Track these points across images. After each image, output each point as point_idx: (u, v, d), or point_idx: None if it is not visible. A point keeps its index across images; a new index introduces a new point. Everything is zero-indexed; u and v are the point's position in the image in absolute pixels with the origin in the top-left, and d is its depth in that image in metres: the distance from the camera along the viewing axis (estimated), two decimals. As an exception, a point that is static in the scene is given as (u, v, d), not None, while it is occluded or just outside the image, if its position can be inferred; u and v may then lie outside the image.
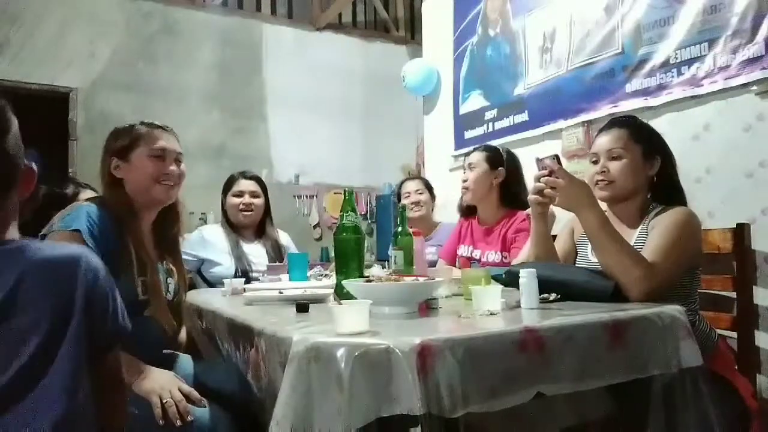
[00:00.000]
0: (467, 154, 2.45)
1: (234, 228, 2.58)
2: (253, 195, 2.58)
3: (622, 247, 1.40)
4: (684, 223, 1.46)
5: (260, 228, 2.63)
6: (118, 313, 0.89)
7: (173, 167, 1.57)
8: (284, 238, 2.74)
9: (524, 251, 1.76)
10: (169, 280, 1.62)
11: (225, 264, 2.44)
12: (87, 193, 2.37)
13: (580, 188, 1.46)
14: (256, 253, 2.53)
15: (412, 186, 3.05)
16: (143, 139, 1.54)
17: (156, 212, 1.60)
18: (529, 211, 1.71)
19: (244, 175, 2.64)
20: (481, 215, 2.38)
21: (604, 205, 1.69)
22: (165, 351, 1.65)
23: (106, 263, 0.90)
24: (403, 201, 2.97)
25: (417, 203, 2.96)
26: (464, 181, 2.36)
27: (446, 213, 3.10)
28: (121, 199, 1.51)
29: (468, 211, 2.46)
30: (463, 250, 2.40)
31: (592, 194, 1.48)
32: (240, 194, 2.57)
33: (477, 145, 2.48)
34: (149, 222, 1.60)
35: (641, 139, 1.58)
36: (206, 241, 2.49)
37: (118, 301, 0.90)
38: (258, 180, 2.65)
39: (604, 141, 1.61)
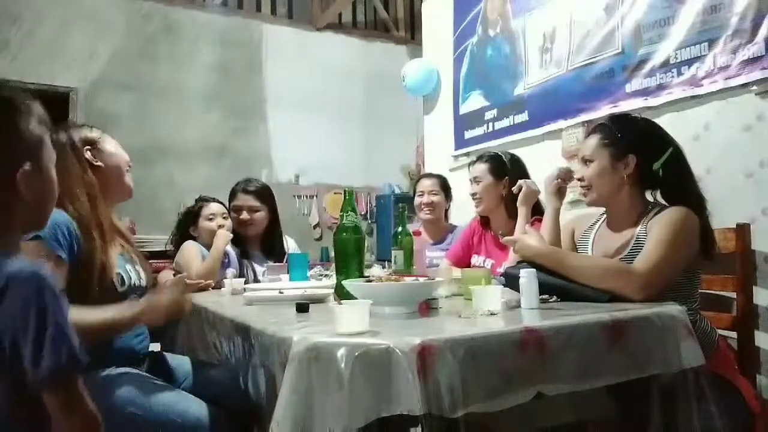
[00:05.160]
0: (470, 164, 2.39)
1: (240, 240, 2.52)
2: (252, 210, 2.51)
3: (603, 262, 1.47)
4: (678, 223, 1.46)
5: (267, 242, 2.59)
6: (42, 351, 0.83)
7: None
8: (292, 245, 2.74)
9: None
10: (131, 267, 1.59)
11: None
12: (211, 207, 2.44)
13: (526, 242, 1.57)
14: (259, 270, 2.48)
15: (426, 184, 2.77)
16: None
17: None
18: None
19: (245, 189, 2.55)
20: (493, 225, 2.32)
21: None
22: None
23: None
24: (417, 199, 2.77)
25: (429, 204, 2.72)
26: (474, 194, 2.30)
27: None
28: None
29: (484, 223, 2.39)
30: (477, 261, 2.35)
31: (534, 243, 1.56)
32: (238, 210, 2.51)
33: (480, 155, 2.40)
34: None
35: (611, 141, 1.60)
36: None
37: (48, 340, 0.84)
38: (259, 193, 2.55)
39: (583, 147, 1.70)
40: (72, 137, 1.55)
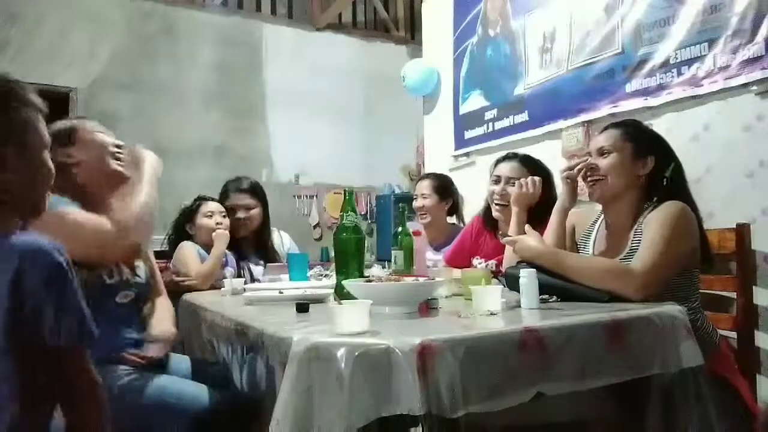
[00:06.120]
0: (498, 161, 2.21)
1: (234, 242, 2.48)
2: (248, 208, 2.51)
3: (602, 262, 1.47)
4: (674, 218, 1.45)
5: (260, 240, 2.58)
6: (60, 323, 0.89)
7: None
8: (286, 240, 2.72)
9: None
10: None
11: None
12: (209, 205, 2.43)
13: (526, 242, 1.56)
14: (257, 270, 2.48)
15: (419, 187, 2.71)
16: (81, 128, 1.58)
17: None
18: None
19: (239, 187, 2.55)
20: (504, 229, 2.15)
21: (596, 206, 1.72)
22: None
23: None
24: (414, 203, 2.70)
25: (420, 209, 2.64)
26: (502, 195, 2.11)
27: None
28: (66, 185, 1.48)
29: (489, 222, 2.26)
30: (478, 263, 2.25)
31: (534, 243, 1.55)
32: (233, 209, 2.49)
33: (511, 153, 2.24)
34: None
35: (633, 138, 1.60)
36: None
37: (67, 313, 0.90)
38: (252, 190, 2.56)
39: (597, 140, 1.66)
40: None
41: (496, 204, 2.15)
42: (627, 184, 1.58)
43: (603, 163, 1.59)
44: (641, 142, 1.60)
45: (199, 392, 1.39)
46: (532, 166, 2.13)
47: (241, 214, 2.50)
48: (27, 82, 1.03)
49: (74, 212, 1.36)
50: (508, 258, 1.89)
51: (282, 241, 2.71)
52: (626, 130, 1.62)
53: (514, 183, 2.06)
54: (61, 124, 1.53)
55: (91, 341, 0.94)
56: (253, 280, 2.40)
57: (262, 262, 2.51)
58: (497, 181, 2.15)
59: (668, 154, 1.62)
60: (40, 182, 1.03)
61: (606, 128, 1.68)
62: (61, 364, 0.93)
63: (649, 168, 1.58)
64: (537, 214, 1.96)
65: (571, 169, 1.70)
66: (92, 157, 1.53)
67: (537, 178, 2.01)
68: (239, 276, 2.34)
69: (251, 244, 2.58)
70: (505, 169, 2.15)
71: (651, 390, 1.23)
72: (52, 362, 0.92)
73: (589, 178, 1.63)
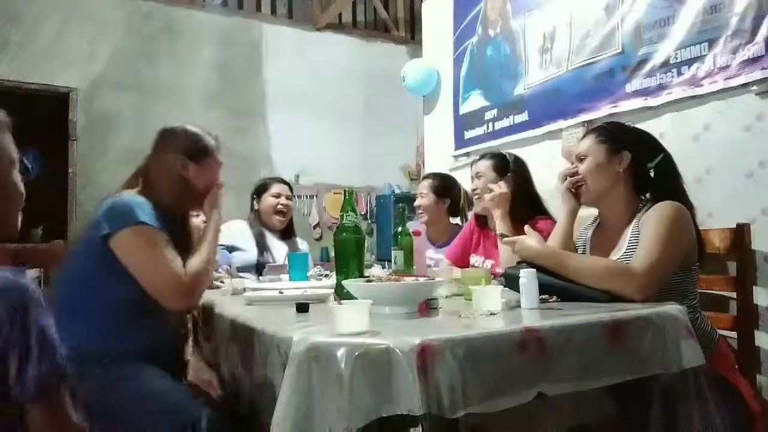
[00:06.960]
0: (474, 161, 2.36)
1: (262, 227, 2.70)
2: (288, 198, 2.77)
3: (602, 262, 1.47)
4: (669, 218, 1.46)
5: (286, 232, 2.78)
6: (28, 362, 0.83)
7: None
8: (304, 246, 2.83)
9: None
10: None
11: (249, 250, 2.56)
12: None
13: (526, 243, 1.57)
14: (281, 249, 2.66)
15: (419, 187, 2.77)
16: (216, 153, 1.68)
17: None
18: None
19: (282, 180, 2.85)
20: (492, 224, 2.24)
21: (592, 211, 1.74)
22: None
23: None
24: (415, 202, 2.75)
25: (418, 208, 2.69)
26: (474, 190, 2.27)
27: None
28: (183, 195, 1.61)
29: (482, 221, 2.35)
30: (475, 261, 2.32)
31: (534, 244, 1.56)
32: (278, 195, 2.73)
33: (484, 153, 2.38)
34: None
35: (606, 138, 1.64)
36: (228, 227, 2.47)
37: (33, 350, 0.83)
38: (290, 186, 2.85)
39: (577, 147, 1.73)
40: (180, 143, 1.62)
41: (475, 199, 2.30)
42: (609, 183, 1.62)
43: (581, 168, 1.65)
44: (614, 140, 1.63)
45: (198, 412, 1.38)
46: (498, 161, 2.25)
47: (284, 201, 2.74)
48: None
49: (167, 248, 1.45)
50: (506, 258, 1.90)
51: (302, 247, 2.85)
52: (600, 132, 1.68)
53: (480, 177, 2.24)
54: (202, 139, 1.64)
55: (70, 381, 0.88)
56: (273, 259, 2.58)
57: (286, 247, 2.71)
58: (472, 179, 2.31)
59: (651, 147, 1.63)
60: (11, 207, 0.98)
61: (585, 135, 1.74)
62: (39, 410, 0.85)
63: (626, 163, 1.61)
64: (522, 206, 2.11)
65: (565, 178, 1.73)
66: (204, 185, 1.64)
67: (500, 182, 2.15)
68: (261, 264, 2.49)
69: (278, 235, 2.74)
70: (475, 167, 2.31)
71: (652, 390, 1.23)
72: (29, 408, 0.85)
73: (574, 185, 1.68)
